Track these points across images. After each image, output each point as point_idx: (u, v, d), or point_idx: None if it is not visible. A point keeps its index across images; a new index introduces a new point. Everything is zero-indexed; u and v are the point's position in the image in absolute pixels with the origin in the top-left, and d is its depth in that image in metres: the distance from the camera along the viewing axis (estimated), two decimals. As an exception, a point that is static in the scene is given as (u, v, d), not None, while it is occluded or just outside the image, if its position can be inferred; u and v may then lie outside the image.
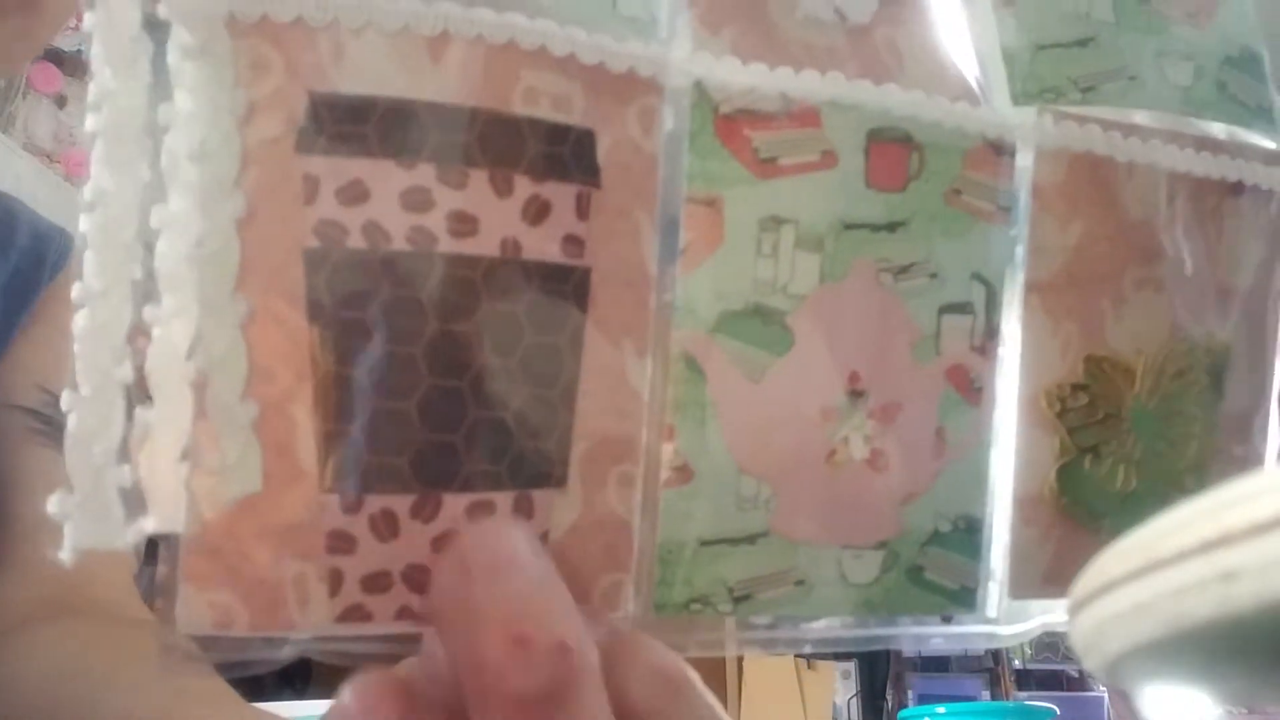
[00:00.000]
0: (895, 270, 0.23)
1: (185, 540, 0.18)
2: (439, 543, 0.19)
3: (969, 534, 0.24)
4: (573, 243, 0.20)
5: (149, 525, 0.18)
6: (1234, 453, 0.27)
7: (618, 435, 0.21)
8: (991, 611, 0.24)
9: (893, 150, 0.23)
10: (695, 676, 0.21)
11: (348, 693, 0.18)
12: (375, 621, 0.19)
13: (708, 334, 0.22)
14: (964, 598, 0.24)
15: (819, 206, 0.22)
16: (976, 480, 0.24)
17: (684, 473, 0.21)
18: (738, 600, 0.22)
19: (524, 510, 0.20)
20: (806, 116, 0.22)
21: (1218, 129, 0.26)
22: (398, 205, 0.19)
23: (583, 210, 0.20)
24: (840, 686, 2.39)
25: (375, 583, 0.19)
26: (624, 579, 0.21)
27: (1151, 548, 0.15)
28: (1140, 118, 0.25)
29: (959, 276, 0.24)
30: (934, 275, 0.23)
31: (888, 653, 2.44)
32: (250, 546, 0.18)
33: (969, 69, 0.24)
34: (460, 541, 0.19)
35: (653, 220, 0.21)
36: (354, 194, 0.18)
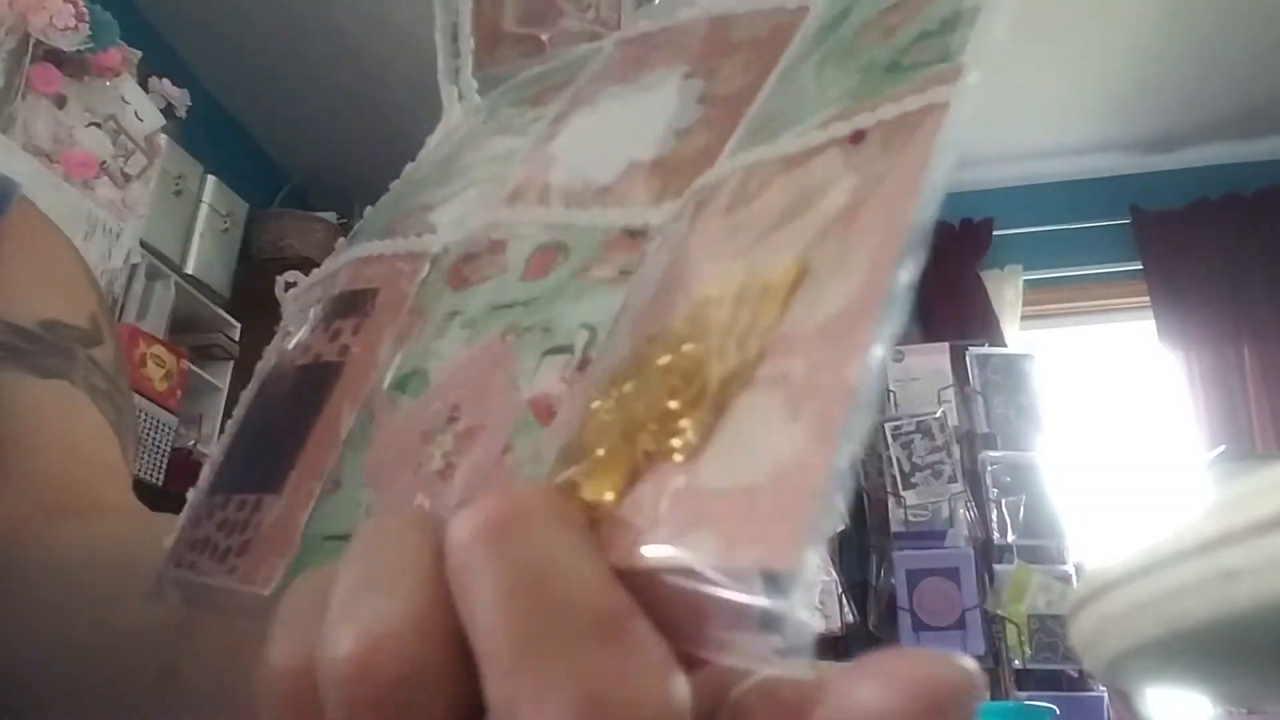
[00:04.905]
0: (519, 331, 0.27)
1: None
2: None
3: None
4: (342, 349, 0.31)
5: None
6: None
7: (323, 461, 0.29)
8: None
9: (548, 254, 0.28)
10: None
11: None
12: None
13: (386, 391, 0.29)
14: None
15: (482, 301, 0.29)
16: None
17: (338, 485, 0.28)
18: None
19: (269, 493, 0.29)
20: (497, 246, 0.30)
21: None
22: None
23: (356, 329, 0.32)
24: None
25: None
26: (284, 561, 0.27)
27: (1151, 548, 0.14)
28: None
29: (569, 327, 0.26)
30: (548, 330, 0.26)
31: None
32: None
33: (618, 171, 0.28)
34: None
35: (395, 332, 0.31)
36: None
